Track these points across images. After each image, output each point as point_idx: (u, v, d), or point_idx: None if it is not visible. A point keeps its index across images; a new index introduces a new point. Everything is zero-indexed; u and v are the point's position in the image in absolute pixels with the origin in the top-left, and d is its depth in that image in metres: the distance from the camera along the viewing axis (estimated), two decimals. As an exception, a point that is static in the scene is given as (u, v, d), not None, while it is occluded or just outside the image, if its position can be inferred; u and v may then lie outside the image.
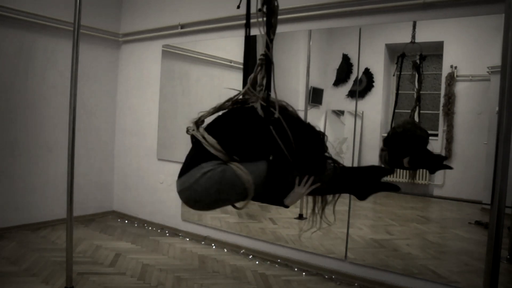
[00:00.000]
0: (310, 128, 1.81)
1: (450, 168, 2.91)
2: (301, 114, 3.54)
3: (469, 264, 2.85)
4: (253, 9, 1.74)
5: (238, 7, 1.80)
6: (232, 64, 3.88)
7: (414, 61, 3.09)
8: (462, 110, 2.92)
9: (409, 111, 3.14)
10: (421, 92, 3.14)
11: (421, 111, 3.14)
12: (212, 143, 1.56)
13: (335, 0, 3.18)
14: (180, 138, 3.70)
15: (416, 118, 3.13)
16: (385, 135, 3.20)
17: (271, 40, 1.70)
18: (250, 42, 1.87)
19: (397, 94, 3.20)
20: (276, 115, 1.61)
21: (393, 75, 3.23)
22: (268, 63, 1.69)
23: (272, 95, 1.70)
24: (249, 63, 1.89)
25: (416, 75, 3.13)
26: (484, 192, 2.72)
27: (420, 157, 2.97)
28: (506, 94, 1.40)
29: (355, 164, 3.29)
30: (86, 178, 4.62)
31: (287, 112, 1.74)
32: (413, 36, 2.96)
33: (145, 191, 4.62)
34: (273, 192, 1.68)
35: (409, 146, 2.99)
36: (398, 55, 3.15)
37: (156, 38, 4.44)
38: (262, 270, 3.33)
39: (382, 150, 3.15)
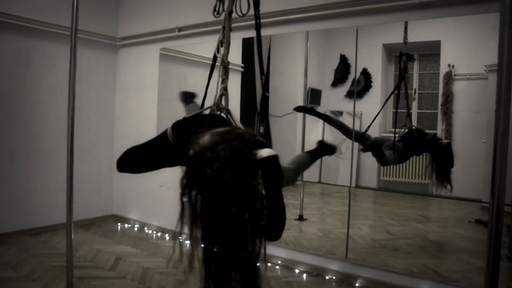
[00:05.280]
0: None
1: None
2: (300, 116, 3.54)
3: (469, 263, 2.85)
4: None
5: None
6: (229, 66, 3.88)
7: (404, 61, 3.08)
8: (460, 108, 2.92)
9: (407, 111, 3.14)
10: (419, 91, 3.15)
11: (418, 110, 3.15)
12: None
13: (332, 1, 3.18)
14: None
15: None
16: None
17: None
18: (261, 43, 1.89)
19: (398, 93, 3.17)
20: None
21: (402, 76, 3.18)
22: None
23: None
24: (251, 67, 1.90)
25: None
26: (483, 191, 2.72)
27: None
28: (503, 92, 1.40)
29: (354, 164, 3.29)
30: (85, 182, 4.61)
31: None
32: (405, 37, 2.96)
33: (145, 194, 4.61)
34: None
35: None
36: (399, 55, 3.13)
37: (154, 42, 4.44)
38: (262, 272, 3.32)
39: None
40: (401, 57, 3.05)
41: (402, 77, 3.07)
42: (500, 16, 1.45)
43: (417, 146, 3.05)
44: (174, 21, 4.20)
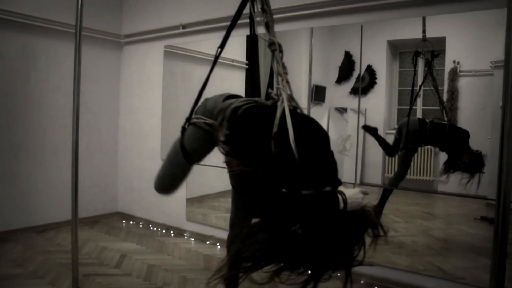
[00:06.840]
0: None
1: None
2: (304, 112, 3.54)
3: (475, 260, 2.84)
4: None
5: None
6: (234, 63, 3.88)
7: (427, 58, 3.05)
8: (465, 105, 2.90)
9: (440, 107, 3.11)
10: (424, 88, 3.13)
11: (423, 107, 3.14)
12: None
13: (336, -3, 3.17)
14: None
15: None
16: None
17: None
18: (256, 41, 1.88)
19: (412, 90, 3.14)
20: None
21: (414, 75, 3.15)
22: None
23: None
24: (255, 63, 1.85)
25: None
26: (488, 188, 2.71)
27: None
28: (509, 89, 1.39)
29: (359, 161, 3.28)
30: (90, 179, 4.63)
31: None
32: (424, 31, 2.93)
33: (149, 191, 4.61)
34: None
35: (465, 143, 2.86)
36: (412, 54, 3.10)
37: (158, 39, 4.44)
38: (267, 269, 3.32)
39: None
40: (417, 55, 3.03)
41: (427, 74, 3.04)
42: (507, 11, 1.44)
43: (439, 139, 3.02)
44: (178, 18, 4.20)
